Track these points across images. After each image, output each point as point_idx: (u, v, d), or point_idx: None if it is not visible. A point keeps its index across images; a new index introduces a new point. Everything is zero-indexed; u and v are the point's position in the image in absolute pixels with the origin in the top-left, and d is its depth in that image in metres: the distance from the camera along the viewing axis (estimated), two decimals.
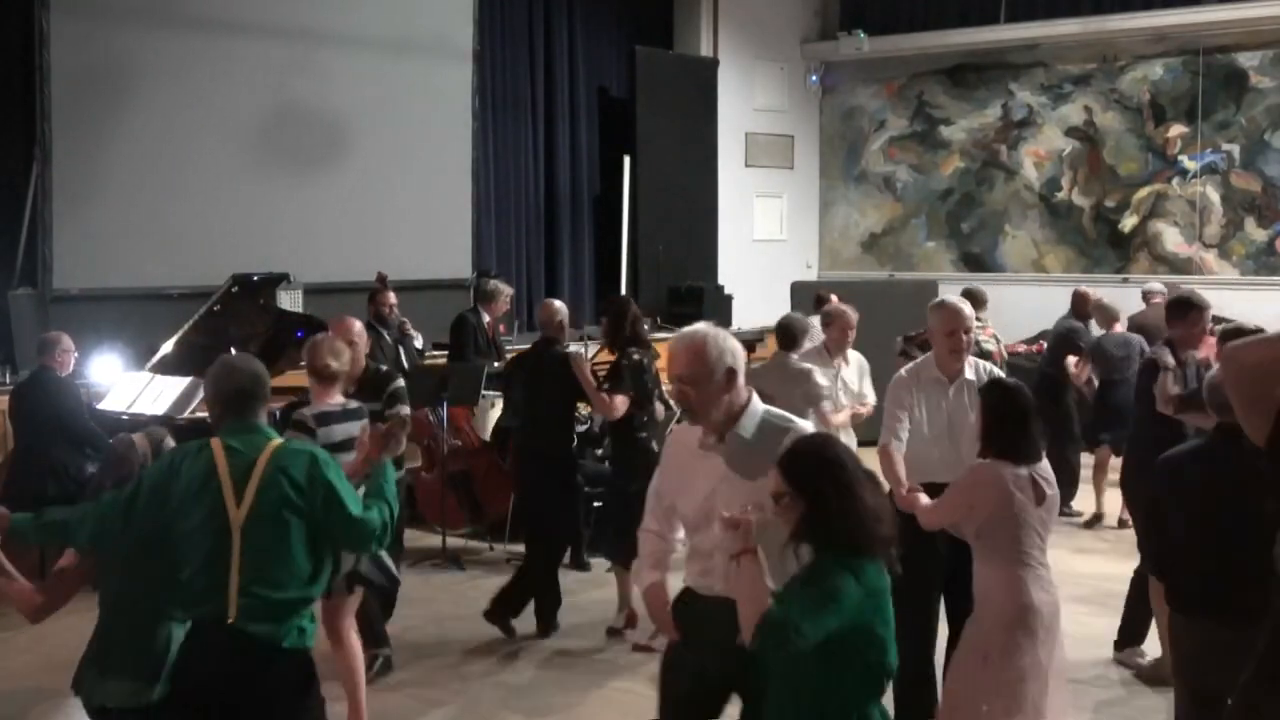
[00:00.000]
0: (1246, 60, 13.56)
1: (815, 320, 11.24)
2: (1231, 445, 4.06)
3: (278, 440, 3.76)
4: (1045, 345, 10.43)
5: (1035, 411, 4.51)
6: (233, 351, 8.21)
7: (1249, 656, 3.85)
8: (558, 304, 7.47)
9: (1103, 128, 14.39)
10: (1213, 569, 4.05)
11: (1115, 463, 8.36)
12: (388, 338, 9.07)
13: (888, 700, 3.39)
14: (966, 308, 5.40)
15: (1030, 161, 14.88)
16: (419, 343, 9.60)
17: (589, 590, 7.69)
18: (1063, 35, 14.30)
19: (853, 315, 7.67)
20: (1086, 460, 9.58)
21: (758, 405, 3.68)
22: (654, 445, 6.73)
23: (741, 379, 3.66)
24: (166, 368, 8.35)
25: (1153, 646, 6.12)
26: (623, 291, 13.69)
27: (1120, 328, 9.29)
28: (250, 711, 3.59)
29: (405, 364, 9.12)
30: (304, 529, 3.63)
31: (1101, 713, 5.81)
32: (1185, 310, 6.44)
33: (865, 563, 3.18)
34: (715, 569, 3.57)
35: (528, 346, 7.75)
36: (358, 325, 6.15)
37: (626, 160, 13.60)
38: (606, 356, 11.33)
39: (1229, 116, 13.67)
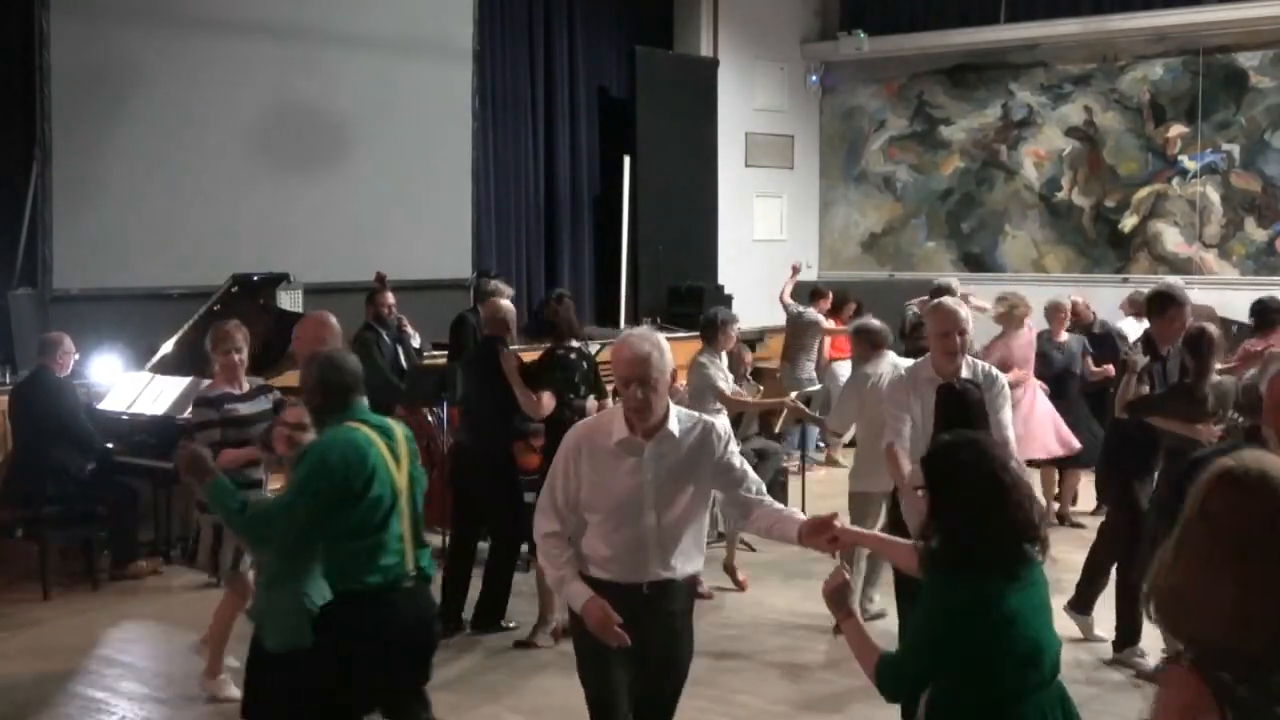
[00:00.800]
0: (1246, 60, 13.56)
1: (810, 311, 11.34)
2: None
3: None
4: None
5: (975, 413, 4.58)
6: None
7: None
8: (503, 303, 7.33)
9: (1103, 128, 14.39)
10: None
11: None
12: (386, 338, 9.06)
13: None
14: (962, 310, 5.39)
15: (1030, 161, 14.87)
16: (416, 342, 9.60)
17: None
18: (1063, 35, 14.29)
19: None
20: None
21: (672, 404, 3.95)
22: None
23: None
24: (166, 368, 8.35)
25: (1154, 646, 6.14)
26: (623, 291, 13.71)
27: (1065, 333, 9.30)
28: (429, 640, 4.43)
29: (404, 364, 9.12)
30: None
31: (1100, 713, 5.80)
32: (1165, 306, 6.38)
33: (980, 580, 3.06)
34: (648, 558, 3.85)
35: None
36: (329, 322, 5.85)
37: (626, 160, 13.60)
38: (607, 355, 11.38)
39: (1229, 116, 13.66)
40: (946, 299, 5.80)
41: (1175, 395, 6.09)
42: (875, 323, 7.42)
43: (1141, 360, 6.17)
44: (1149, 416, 6.11)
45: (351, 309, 9.26)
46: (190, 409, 6.64)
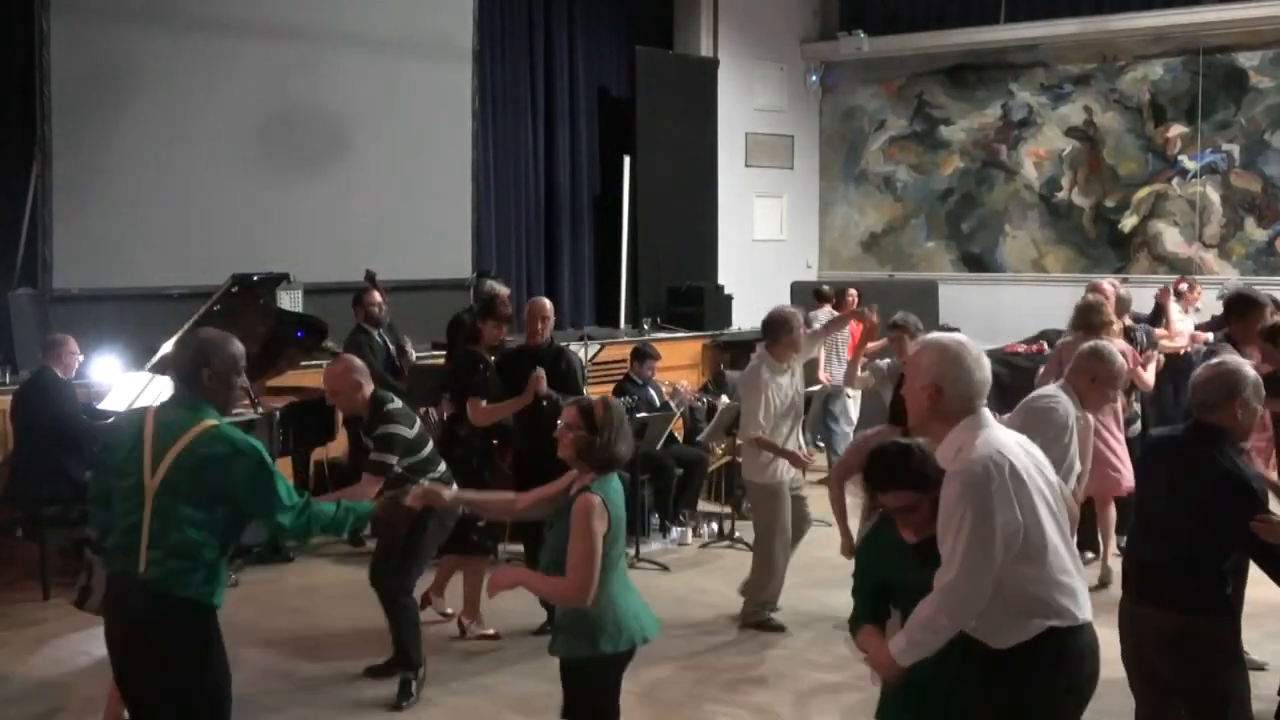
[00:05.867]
0: (1246, 60, 13.56)
1: (819, 315, 11.25)
2: (1198, 439, 4.15)
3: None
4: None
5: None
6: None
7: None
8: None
9: (1103, 128, 14.39)
10: (1148, 555, 4.22)
11: None
12: (378, 337, 9.01)
13: None
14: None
15: (1030, 161, 14.88)
16: (412, 357, 9.48)
17: None
18: (1063, 35, 14.30)
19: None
20: None
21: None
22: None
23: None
24: (166, 368, 8.33)
25: None
26: (623, 291, 13.69)
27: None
28: None
29: (398, 365, 9.09)
30: None
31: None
32: (1246, 307, 6.71)
33: None
34: None
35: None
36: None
37: (626, 160, 13.60)
38: (607, 356, 11.39)
39: (1229, 116, 13.67)
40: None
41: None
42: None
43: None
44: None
45: (349, 309, 9.25)
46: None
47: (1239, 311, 6.76)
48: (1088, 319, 7.81)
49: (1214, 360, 4.28)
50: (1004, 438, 3.44)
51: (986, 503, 3.28)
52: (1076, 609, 3.43)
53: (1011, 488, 3.31)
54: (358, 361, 6.13)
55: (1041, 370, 8.13)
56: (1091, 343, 5.96)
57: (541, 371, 7.01)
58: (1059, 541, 3.43)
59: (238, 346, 4.13)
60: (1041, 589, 3.38)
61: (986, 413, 3.48)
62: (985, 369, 3.50)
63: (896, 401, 5.28)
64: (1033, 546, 3.35)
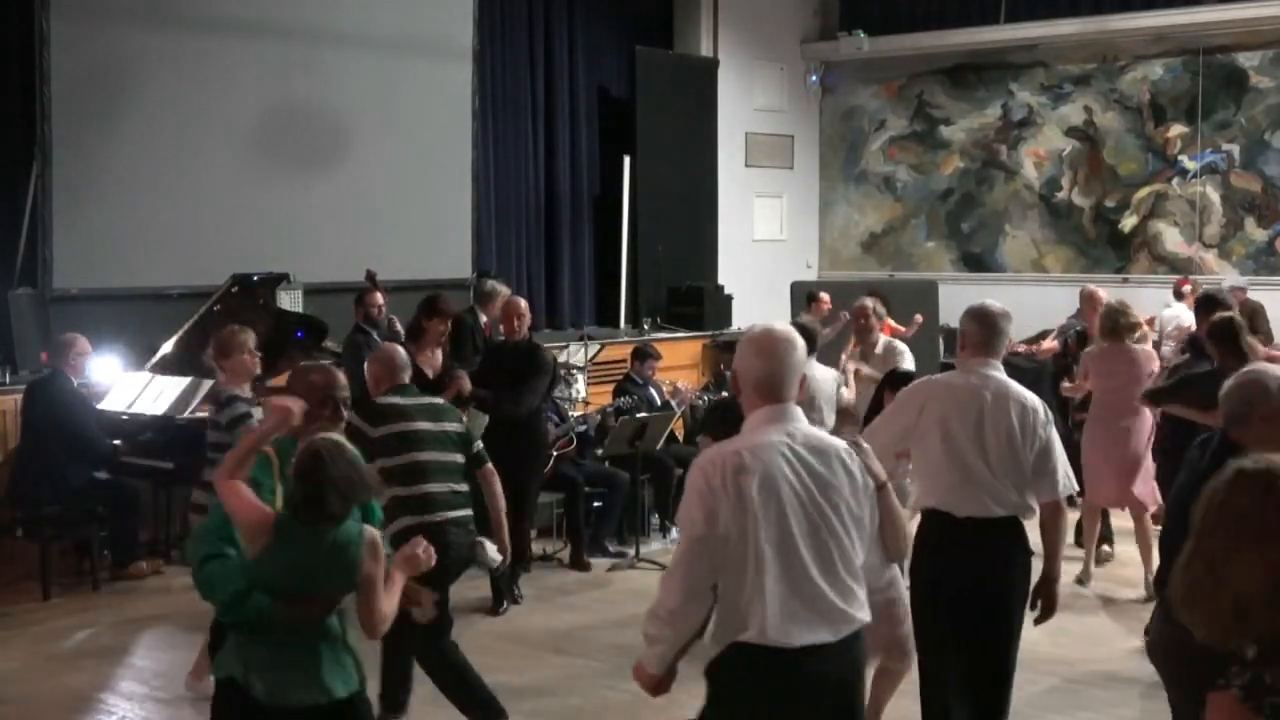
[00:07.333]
0: (1246, 60, 13.56)
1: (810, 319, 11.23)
2: (1217, 445, 4.04)
3: None
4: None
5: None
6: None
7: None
8: None
9: (1103, 128, 14.39)
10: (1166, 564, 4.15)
11: None
12: (376, 338, 9.01)
13: None
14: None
15: (1030, 161, 14.87)
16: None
17: (589, 590, 7.70)
18: (1063, 35, 14.30)
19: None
20: None
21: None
22: None
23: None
24: (166, 368, 8.35)
25: None
26: (623, 291, 13.68)
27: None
28: None
29: None
30: None
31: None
32: (1212, 308, 6.83)
33: None
34: None
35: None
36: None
37: (626, 160, 13.60)
38: (607, 356, 11.40)
39: (1229, 116, 13.67)
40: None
41: (1193, 383, 6.36)
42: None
43: (1177, 359, 6.56)
44: (1167, 405, 6.47)
45: (350, 309, 9.27)
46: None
47: (1208, 311, 6.84)
48: (1115, 323, 7.40)
49: (1245, 369, 4.00)
50: (771, 439, 3.22)
51: (707, 494, 3.16)
52: (770, 630, 3.15)
53: (731, 488, 3.14)
54: (392, 355, 6.01)
55: (1066, 384, 8.26)
56: None
57: (462, 373, 7.29)
58: (777, 561, 3.17)
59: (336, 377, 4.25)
60: (740, 602, 3.17)
61: (784, 408, 3.26)
62: (776, 359, 3.27)
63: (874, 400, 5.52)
64: (739, 556, 3.16)
